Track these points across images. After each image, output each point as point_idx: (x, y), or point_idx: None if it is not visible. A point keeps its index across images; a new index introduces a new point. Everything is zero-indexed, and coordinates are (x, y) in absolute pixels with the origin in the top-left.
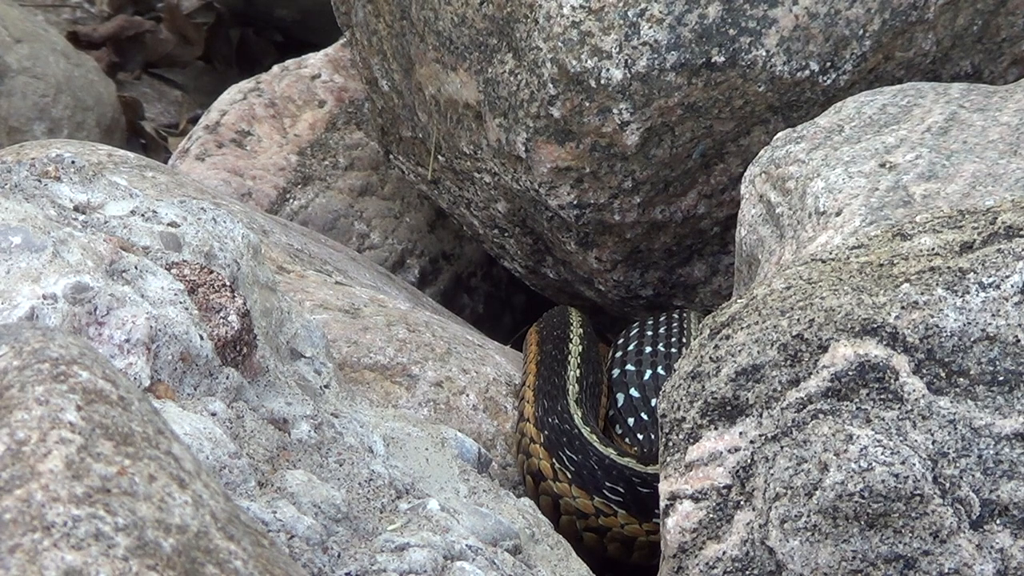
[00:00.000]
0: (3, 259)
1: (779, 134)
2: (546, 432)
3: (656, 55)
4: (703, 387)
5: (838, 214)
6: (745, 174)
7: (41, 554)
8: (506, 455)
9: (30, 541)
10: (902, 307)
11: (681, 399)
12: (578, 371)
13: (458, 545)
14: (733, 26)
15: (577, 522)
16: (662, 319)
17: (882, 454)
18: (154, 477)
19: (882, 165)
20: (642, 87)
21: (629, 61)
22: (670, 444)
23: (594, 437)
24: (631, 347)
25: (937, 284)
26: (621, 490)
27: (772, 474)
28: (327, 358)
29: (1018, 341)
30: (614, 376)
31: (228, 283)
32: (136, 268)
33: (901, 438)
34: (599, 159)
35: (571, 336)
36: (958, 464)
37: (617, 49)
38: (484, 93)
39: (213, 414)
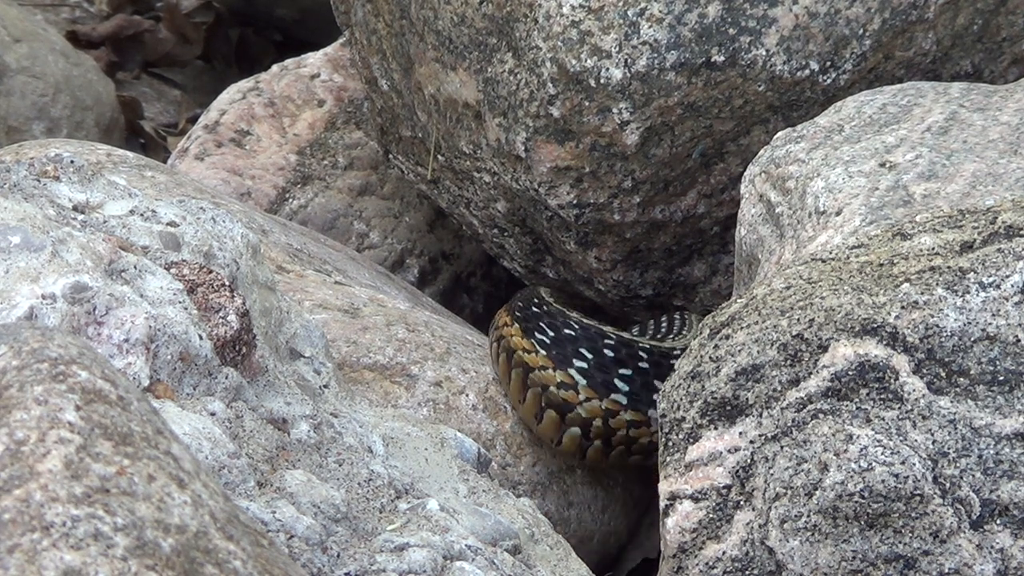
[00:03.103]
0: (2, 259)
1: (779, 134)
2: (520, 316)
3: (656, 54)
4: (703, 387)
5: (838, 214)
6: (745, 174)
7: (40, 554)
8: (506, 455)
9: (29, 541)
10: (902, 307)
11: (681, 399)
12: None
13: (458, 545)
14: (733, 25)
15: (542, 398)
16: (662, 319)
17: (882, 454)
18: (153, 477)
19: (882, 165)
20: (642, 87)
21: (629, 60)
22: (670, 444)
23: (566, 309)
24: None
25: (937, 284)
26: (587, 354)
27: (772, 474)
28: (326, 358)
29: (1018, 341)
30: None
31: (227, 283)
32: (135, 268)
33: (901, 438)
34: (599, 159)
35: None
36: (958, 464)
37: (617, 48)
38: (484, 92)
39: (212, 414)
